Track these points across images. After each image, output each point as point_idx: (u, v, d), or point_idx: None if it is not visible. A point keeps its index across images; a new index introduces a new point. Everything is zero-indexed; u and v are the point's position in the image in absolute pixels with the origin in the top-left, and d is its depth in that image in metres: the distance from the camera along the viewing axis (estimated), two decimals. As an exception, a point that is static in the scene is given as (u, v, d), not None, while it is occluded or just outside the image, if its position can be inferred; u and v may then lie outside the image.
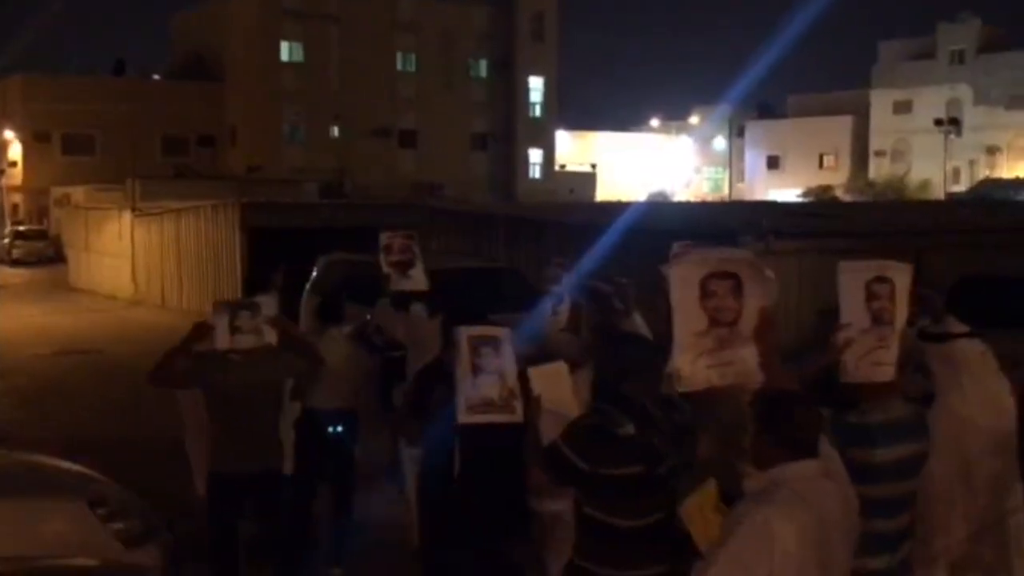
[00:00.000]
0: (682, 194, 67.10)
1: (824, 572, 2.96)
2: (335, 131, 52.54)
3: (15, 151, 51.03)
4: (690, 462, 3.78)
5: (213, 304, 5.79)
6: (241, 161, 49.77)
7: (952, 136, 58.81)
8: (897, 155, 65.97)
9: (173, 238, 22.09)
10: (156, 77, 57.52)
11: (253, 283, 6.74)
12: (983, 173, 59.52)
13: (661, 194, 57.99)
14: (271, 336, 5.49)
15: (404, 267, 6.79)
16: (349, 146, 51.58)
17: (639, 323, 4.81)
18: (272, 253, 14.01)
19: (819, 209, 24.80)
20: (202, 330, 5.53)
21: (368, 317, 7.04)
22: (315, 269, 10.22)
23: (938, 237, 13.76)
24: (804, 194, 57.06)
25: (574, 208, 24.46)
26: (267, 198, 26.42)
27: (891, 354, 3.75)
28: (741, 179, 73.30)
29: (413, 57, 55.40)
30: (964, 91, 63.32)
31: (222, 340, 5.41)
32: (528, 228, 16.38)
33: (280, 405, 5.91)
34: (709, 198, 65.09)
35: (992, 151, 62.29)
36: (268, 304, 5.64)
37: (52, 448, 7.85)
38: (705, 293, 3.80)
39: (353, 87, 51.81)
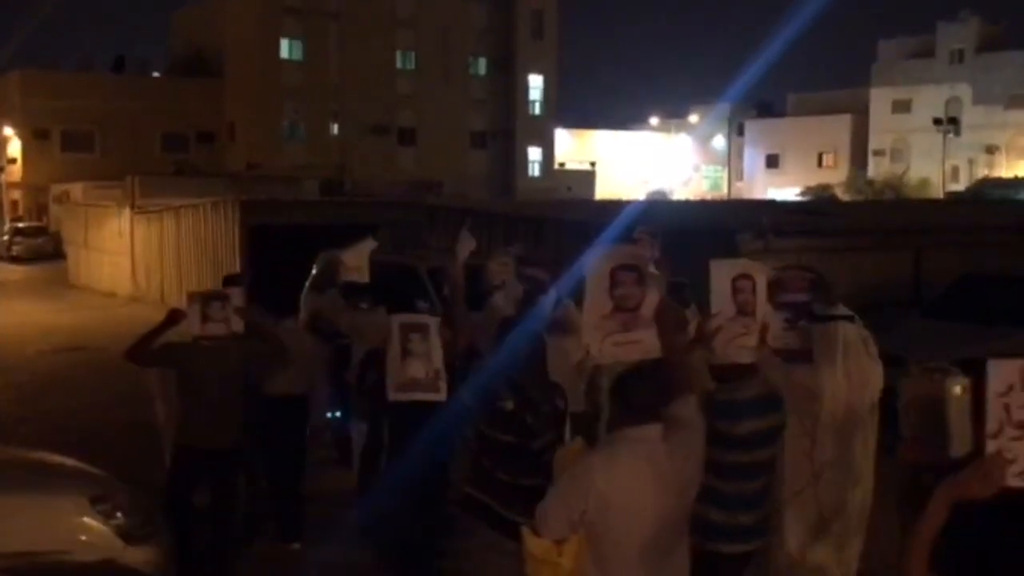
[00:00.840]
0: (681, 192, 67.10)
1: (648, 520, 3.47)
2: (335, 128, 52.54)
3: (14, 148, 50.99)
4: (562, 439, 4.50)
5: (187, 294, 6.44)
6: (241, 158, 49.75)
7: (951, 135, 58.84)
8: (896, 154, 65.99)
9: (172, 235, 22.09)
10: (156, 74, 57.47)
11: (229, 280, 7.33)
12: (982, 172, 59.51)
13: (660, 192, 57.95)
14: (238, 325, 6.11)
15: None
16: (349, 143, 51.57)
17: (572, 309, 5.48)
18: (271, 250, 14.06)
19: (818, 208, 24.81)
20: (176, 316, 6.17)
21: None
22: (314, 266, 10.21)
23: (937, 235, 13.79)
24: (803, 193, 57.05)
25: (573, 206, 24.45)
26: (267, 195, 26.47)
27: (752, 339, 4.34)
28: (740, 178, 73.30)
29: (412, 54, 55.38)
30: (963, 90, 63.33)
31: (193, 327, 6.00)
32: (527, 226, 16.38)
33: (245, 388, 6.37)
34: (708, 196, 65.11)
35: (991, 150, 62.28)
36: (237, 296, 6.28)
37: (52, 444, 7.87)
38: (613, 283, 4.41)
39: (353, 84, 51.81)
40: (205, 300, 6.12)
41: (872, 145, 68.04)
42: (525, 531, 3.60)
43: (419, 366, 5.33)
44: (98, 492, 5.59)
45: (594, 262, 4.54)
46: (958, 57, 64.48)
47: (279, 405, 6.83)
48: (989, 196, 38.13)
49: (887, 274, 12.75)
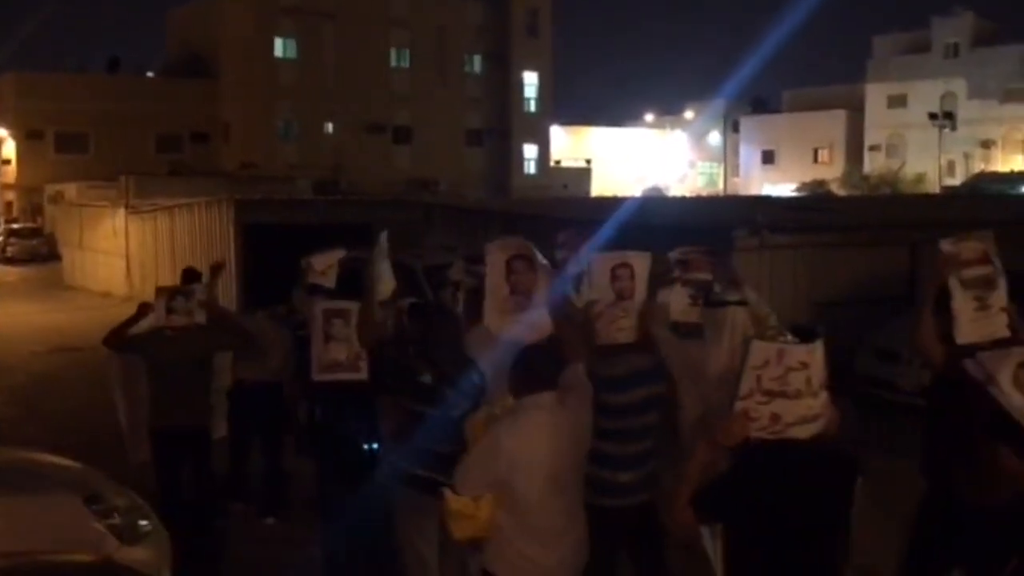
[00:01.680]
0: (677, 189, 67.10)
1: (552, 475, 3.99)
2: (329, 127, 52.47)
3: (9, 149, 50.90)
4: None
5: (156, 289, 7.20)
6: (235, 158, 49.67)
7: (946, 130, 58.84)
8: (892, 149, 66.04)
9: (167, 235, 22.04)
10: (150, 74, 57.37)
11: (187, 274, 8.18)
12: (978, 167, 59.53)
13: (656, 189, 57.93)
14: (201, 316, 6.74)
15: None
16: (344, 142, 51.52)
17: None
18: (266, 249, 14.04)
19: (814, 203, 24.82)
20: (145, 309, 6.98)
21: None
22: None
23: (932, 230, 13.77)
24: (799, 189, 57.04)
25: (569, 203, 24.44)
26: (261, 195, 26.36)
27: (630, 321, 4.84)
28: (736, 174, 73.33)
29: (407, 53, 55.30)
30: (958, 85, 63.37)
31: (158, 318, 6.71)
32: (523, 224, 16.35)
33: (209, 373, 7.05)
34: (704, 193, 65.11)
35: (986, 145, 62.33)
36: (201, 290, 6.99)
37: (47, 445, 7.86)
38: (509, 271, 5.21)
39: (348, 83, 51.74)
40: (170, 294, 6.83)
41: (867, 140, 68.07)
42: (446, 491, 4.03)
43: (341, 349, 5.76)
44: (93, 492, 5.59)
45: (491, 254, 5.31)
46: (953, 52, 64.52)
47: (253, 390, 7.51)
48: (985, 191, 38.11)
49: (882, 269, 12.74)
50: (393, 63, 55.06)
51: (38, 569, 4.93)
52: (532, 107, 59.60)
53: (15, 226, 43.56)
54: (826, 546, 3.52)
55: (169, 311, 6.67)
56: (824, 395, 3.51)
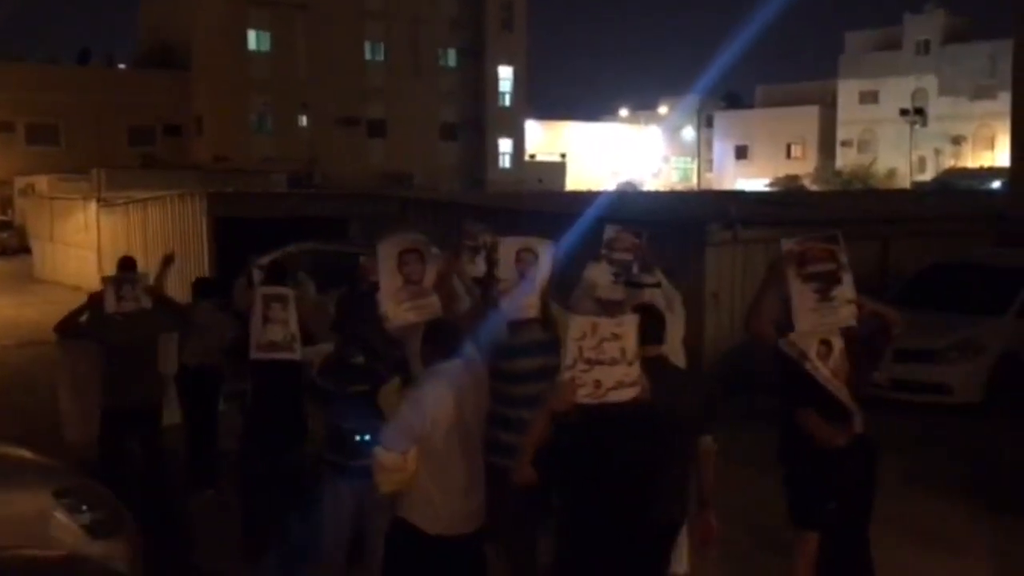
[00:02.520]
0: (651, 184, 67.30)
1: (460, 430, 4.55)
2: (303, 120, 52.18)
3: (-22, 141, 50.27)
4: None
5: (102, 278, 7.75)
6: (209, 151, 49.29)
7: (918, 126, 59.40)
8: (864, 145, 66.57)
9: (139, 228, 21.85)
10: (122, 66, 56.83)
11: (124, 262, 8.72)
12: (948, 163, 60.13)
13: (630, 184, 58.11)
14: (147, 302, 7.37)
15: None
16: (318, 136, 51.27)
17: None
18: (239, 243, 13.94)
19: (787, 198, 24.95)
20: (96, 298, 7.56)
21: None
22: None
23: (904, 225, 13.89)
24: (772, 184, 57.39)
25: (543, 197, 24.44)
26: (235, 188, 26.16)
27: (533, 299, 5.54)
28: (710, 169, 73.67)
29: (382, 46, 55.08)
30: (930, 81, 63.94)
31: (109, 305, 7.27)
32: (497, 217, 16.33)
33: (157, 354, 7.64)
34: (678, 187, 65.32)
35: (957, 141, 62.95)
36: (146, 277, 7.73)
37: (16, 439, 7.77)
38: (401, 262, 6.06)
39: (321, 76, 51.47)
40: (117, 283, 7.45)
41: (840, 136, 68.58)
42: (377, 448, 4.49)
43: (277, 330, 6.23)
44: (63, 486, 5.53)
45: (383, 249, 6.15)
46: (924, 48, 65.08)
47: (197, 373, 8.11)
48: (955, 186, 38.49)
49: (854, 263, 12.80)
50: (367, 56, 54.81)
51: (5, 564, 4.86)
52: (507, 101, 59.56)
53: (-16, 219, 43.05)
54: (649, 496, 4.25)
55: (119, 298, 7.28)
56: (638, 364, 4.17)
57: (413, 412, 4.52)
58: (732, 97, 79.48)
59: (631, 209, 15.63)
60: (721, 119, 75.25)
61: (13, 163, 47.54)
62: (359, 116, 53.66)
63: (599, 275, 6.21)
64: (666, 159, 77.64)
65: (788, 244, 5.10)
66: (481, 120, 58.21)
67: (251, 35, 51.48)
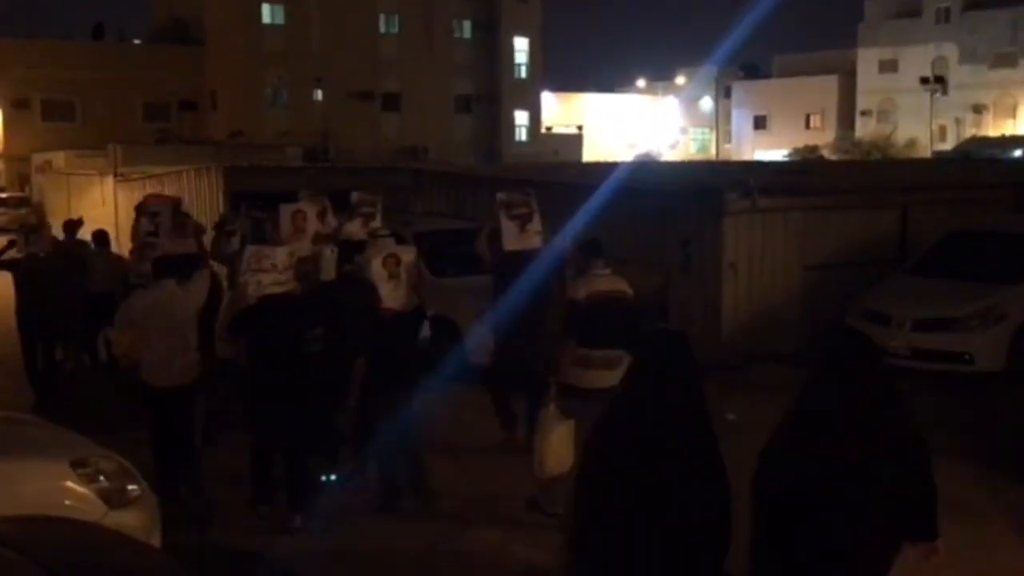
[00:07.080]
0: (669, 155, 66.87)
1: (166, 325, 7.28)
2: (318, 95, 52.01)
3: (-5, 117, 50.40)
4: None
5: (19, 225, 10.72)
6: (224, 126, 49.25)
7: (938, 95, 58.68)
8: (883, 114, 65.83)
9: (156, 203, 21.86)
10: (136, 42, 56.78)
11: (68, 224, 12.71)
12: (969, 132, 59.42)
13: (648, 155, 57.74)
14: (47, 248, 11.05)
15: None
16: (332, 110, 51.10)
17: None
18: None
19: (805, 167, 24.73)
20: (10, 242, 11.08)
21: None
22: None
23: (923, 194, 13.73)
24: (791, 154, 56.90)
25: (560, 169, 24.31)
26: (250, 163, 26.11)
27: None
28: (728, 140, 73.14)
29: (396, 18, 54.75)
30: (950, 49, 63.11)
31: (20, 249, 10.81)
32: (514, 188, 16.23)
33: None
34: (696, 158, 64.90)
35: (978, 109, 62.18)
36: (48, 229, 11.85)
37: (29, 409, 7.80)
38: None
39: (335, 50, 51.24)
40: (27, 231, 11.15)
41: (859, 106, 67.86)
42: (109, 333, 6.08)
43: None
44: (79, 456, 5.53)
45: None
46: (944, 16, 64.19)
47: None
48: (976, 155, 38.05)
49: (873, 232, 12.71)
50: (382, 29, 54.50)
51: (24, 533, 4.87)
52: (522, 73, 59.16)
53: (2, 195, 43.18)
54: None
55: (28, 243, 10.68)
56: (291, 273, 7.16)
57: (126, 312, 7.52)
58: (750, 67, 78.74)
59: (648, 180, 15.51)
60: (739, 89, 74.59)
61: (30, 140, 47.64)
62: (374, 90, 53.44)
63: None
64: (684, 130, 77.08)
65: (500, 195, 8.41)
66: (496, 92, 57.87)
67: (265, 8, 51.25)
